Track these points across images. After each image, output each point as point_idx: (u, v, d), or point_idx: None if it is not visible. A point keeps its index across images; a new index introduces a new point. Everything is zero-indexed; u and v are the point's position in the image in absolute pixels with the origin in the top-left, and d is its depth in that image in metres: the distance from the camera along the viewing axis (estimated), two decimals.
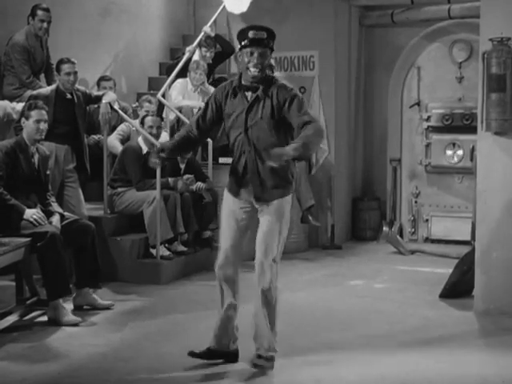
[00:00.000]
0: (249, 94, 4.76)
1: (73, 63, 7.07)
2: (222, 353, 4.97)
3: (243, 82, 4.78)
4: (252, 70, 4.68)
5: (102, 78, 8.75)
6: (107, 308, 6.35)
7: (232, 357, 4.98)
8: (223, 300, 4.93)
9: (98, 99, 7.41)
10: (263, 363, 4.81)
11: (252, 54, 4.66)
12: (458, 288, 6.72)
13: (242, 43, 4.70)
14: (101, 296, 6.46)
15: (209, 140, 8.36)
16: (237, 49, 4.95)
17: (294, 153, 4.36)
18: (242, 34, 4.72)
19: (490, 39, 6.11)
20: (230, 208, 4.86)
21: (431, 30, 9.62)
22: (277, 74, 9.29)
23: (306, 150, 4.46)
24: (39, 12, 7.78)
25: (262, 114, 4.70)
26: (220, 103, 4.87)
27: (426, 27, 9.63)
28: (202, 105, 8.69)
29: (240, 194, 4.82)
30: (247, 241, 4.96)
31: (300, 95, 4.74)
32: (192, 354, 4.93)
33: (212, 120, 4.94)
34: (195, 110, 8.81)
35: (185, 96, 8.86)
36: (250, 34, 4.67)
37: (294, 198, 8.71)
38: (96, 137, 8.21)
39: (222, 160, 8.71)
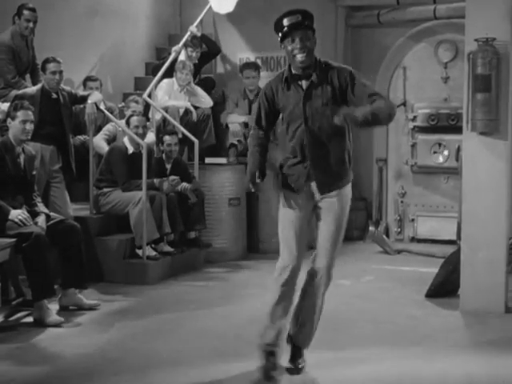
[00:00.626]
0: (302, 83, 4.56)
1: (58, 62, 7.04)
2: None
3: (294, 72, 4.57)
4: (299, 56, 4.47)
5: (89, 78, 8.72)
6: (93, 308, 6.33)
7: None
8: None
9: (84, 99, 7.38)
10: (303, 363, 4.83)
11: (293, 40, 4.47)
12: (444, 287, 6.74)
13: (281, 34, 4.52)
14: (87, 297, 6.44)
15: (195, 140, 8.37)
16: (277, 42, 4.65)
17: (362, 118, 4.28)
18: (277, 25, 4.54)
19: (476, 39, 6.14)
20: (291, 206, 4.61)
21: (417, 30, 9.65)
22: (263, 73, 9.33)
23: (373, 121, 4.37)
24: (25, 12, 7.75)
25: (323, 101, 4.52)
26: (272, 99, 4.64)
27: (411, 27, 9.66)
28: (189, 105, 8.84)
29: (300, 188, 4.60)
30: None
31: (356, 72, 4.63)
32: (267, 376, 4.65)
33: (270, 117, 4.72)
34: (181, 111, 8.84)
35: (171, 96, 8.86)
36: (285, 21, 4.50)
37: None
38: (82, 137, 8.17)
39: (208, 160, 8.71)
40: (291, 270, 4.61)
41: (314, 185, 4.61)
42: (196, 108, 8.92)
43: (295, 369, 4.80)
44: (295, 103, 4.56)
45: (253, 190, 4.71)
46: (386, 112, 4.41)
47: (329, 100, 4.52)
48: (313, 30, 4.54)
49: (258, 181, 4.64)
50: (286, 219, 4.65)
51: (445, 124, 9.45)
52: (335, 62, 4.70)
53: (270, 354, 4.62)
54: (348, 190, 4.71)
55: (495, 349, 5.34)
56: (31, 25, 7.80)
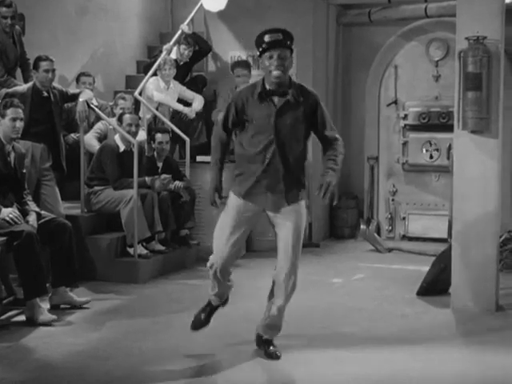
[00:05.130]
0: (275, 99, 4.73)
1: (51, 61, 7.04)
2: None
3: (268, 87, 4.73)
4: (274, 72, 4.64)
5: (82, 74, 8.72)
6: (84, 307, 6.31)
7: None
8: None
9: (75, 97, 7.36)
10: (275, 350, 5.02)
11: (271, 57, 4.65)
12: (436, 285, 6.76)
13: (260, 49, 4.69)
14: (78, 295, 6.42)
15: (186, 138, 8.36)
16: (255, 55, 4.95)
17: (336, 181, 4.74)
18: (258, 40, 4.71)
19: (467, 38, 6.15)
20: (238, 212, 4.84)
21: (408, 28, 9.66)
22: (254, 72, 9.34)
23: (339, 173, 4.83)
24: (2, 9, 7.65)
25: (293, 120, 4.72)
26: (241, 109, 4.78)
27: (403, 26, 9.67)
28: (181, 107, 8.82)
29: (255, 198, 4.81)
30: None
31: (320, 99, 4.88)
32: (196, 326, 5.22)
33: (235, 124, 4.87)
34: (171, 109, 8.84)
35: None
36: (266, 37, 4.67)
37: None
38: (74, 136, 8.14)
39: (199, 158, 8.70)
40: (217, 268, 4.94)
41: (269, 196, 4.80)
42: (189, 105, 8.95)
43: (270, 354, 5.00)
44: (266, 117, 4.72)
45: (216, 207, 4.98)
46: (342, 156, 4.86)
47: (297, 120, 4.74)
48: (291, 50, 4.74)
49: (217, 200, 4.93)
50: (224, 222, 4.89)
51: (436, 122, 9.47)
52: (307, 86, 4.91)
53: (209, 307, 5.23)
54: (303, 204, 4.91)
55: (486, 347, 5.35)
56: (9, 21, 7.64)
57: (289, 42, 4.72)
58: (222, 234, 4.89)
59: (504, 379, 4.72)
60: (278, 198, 4.80)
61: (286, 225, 4.81)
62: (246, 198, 4.83)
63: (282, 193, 4.79)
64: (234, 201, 4.88)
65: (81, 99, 7.30)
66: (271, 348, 5.04)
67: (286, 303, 4.96)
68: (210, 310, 5.25)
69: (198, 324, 5.23)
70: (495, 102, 6.19)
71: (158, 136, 7.97)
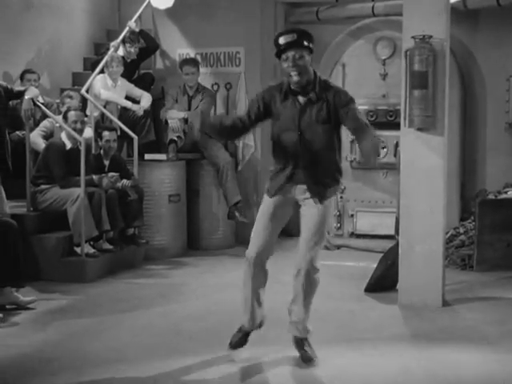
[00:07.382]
0: (300, 98, 4.74)
1: None
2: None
3: (292, 87, 4.74)
4: (293, 75, 4.66)
5: (27, 71, 8.62)
6: (30, 307, 6.22)
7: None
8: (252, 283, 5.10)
9: (21, 94, 7.25)
10: (308, 349, 4.97)
11: (287, 58, 4.67)
12: (383, 282, 6.81)
13: (277, 51, 4.71)
14: (24, 296, 6.32)
15: (134, 136, 8.30)
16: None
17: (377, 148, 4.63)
18: (275, 42, 4.72)
19: (413, 37, 6.21)
20: (269, 209, 4.91)
21: (356, 27, 9.71)
22: (202, 70, 9.31)
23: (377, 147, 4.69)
24: None
25: (317, 117, 4.70)
26: (268, 103, 4.80)
27: (350, 24, 9.72)
28: (130, 104, 8.76)
29: (285, 191, 4.85)
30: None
31: (355, 100, 4.81)
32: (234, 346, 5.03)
33: (258, 116, 4.86)
34: (119, 107, 8.77)
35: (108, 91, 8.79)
36: (280, 39, 4.70)
37: (221, 194, 8.83)
38: (20, 133, 8.03)
39: (147, 156, 8.66)
40: (252, 260, 5.03)
41: (298, 188, 4.83)
42: (137, 103, 8.89)
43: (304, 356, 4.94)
44: (291, 116, 4.74)
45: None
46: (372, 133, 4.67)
47: (321, 118, 4.71)
48: (309, 50, 4.74)
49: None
50: (259, 218, 4.94)
51: (383, 120, 9.54)
52: (334, 83, 4.89)
53: (241, 331, 5.04)
54: (331, 201, 4.90)
55: (431, 342, 5.41)
56: None
57: (305, 42, 4.71)
58: (256, 229, 4.99)
59: (449, 375, 4.77)
60: (311, 189, 4.80)
61: (308, 221, 4.92)
62: (275, 195, 4.87)
63: (314, 186, 4.78)
64: (265, 200, 4.92)
65: (26, 97, 7.19)
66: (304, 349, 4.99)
67: (304, 299, 5.05)
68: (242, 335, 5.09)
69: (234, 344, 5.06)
70: (441, 99, 6.26)
71: (106, 134, 7.91)
